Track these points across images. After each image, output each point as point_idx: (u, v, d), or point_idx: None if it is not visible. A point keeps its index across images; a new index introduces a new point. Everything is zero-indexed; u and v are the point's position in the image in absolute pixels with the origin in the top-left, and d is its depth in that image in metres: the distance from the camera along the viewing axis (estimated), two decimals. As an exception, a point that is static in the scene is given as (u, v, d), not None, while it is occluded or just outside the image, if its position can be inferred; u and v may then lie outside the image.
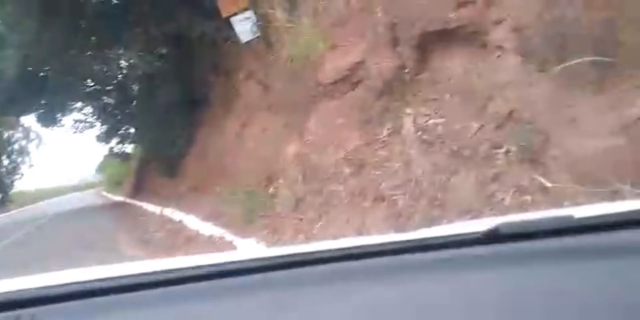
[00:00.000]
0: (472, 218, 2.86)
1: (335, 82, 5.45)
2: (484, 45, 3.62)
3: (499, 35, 3.44)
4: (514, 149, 2.91)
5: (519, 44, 3.21)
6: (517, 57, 3.20)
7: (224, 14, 8.19)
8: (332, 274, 0.91)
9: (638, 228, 0.88)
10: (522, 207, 2.62)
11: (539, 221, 0.94)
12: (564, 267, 0.83)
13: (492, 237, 0.90)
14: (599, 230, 0.89)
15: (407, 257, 0.92)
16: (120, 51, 12.98)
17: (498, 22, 3.48)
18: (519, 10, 3.31)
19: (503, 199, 2.78)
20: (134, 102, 16.62)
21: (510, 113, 3.08)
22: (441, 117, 3.74)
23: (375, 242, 1.00)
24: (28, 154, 40.86)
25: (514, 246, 0.89)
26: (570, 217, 0.91)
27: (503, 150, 2.98)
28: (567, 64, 2.67)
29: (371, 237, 1.06)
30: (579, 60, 2.60)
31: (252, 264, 0.95)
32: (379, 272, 0.89)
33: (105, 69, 15.98)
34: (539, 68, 3.01)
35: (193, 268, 0.96)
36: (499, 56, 3.39)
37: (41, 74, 15.63)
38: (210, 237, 7.24)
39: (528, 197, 2.65)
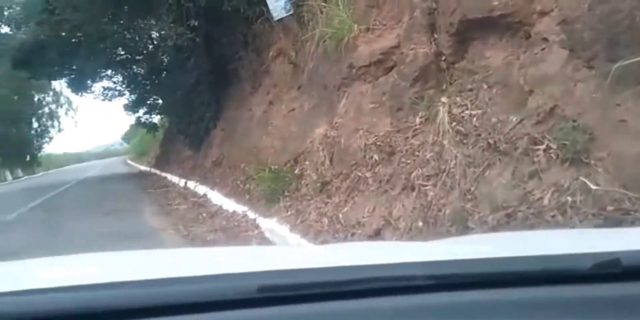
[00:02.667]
0: (507, 215, 2.81)
1: (368, 66, 5.36)
2: (528, 37, 3.51)
3: (544, 27, 3.32)
4: (554, 146, 2.83)
5: (566, 38, 3.10)
6: (564, 51, 3.09)
7: (258, -10, 8.10)
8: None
9: None
10: (561, 208, 2.55)
11: None
12: None
13: (611, 271, 0.70)
14: None
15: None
16: (152, 22, 12.97)
17: (545, 13, 3.36)
18: (568, 2, 3.18)
19: (541, 198, 2.71)
20: (163, 73, 16.65)
21: (553, 109, 2.99)
22: (478, 108, 3.65)
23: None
24: (57, 118, 41.65)
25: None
26: None
27: (543, 146, 2.90)
28: (619, 63, 2.56)
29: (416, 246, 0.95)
30: (634, 59, 2.48)
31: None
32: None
33: (136, 39, 16.01)
34: (586, 64, 2.90)
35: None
36: (543, 49, 3.28)
37: (74, 39, 15.73)
38: (233, 213, 7.29)
39: (568, 198, 2.57)
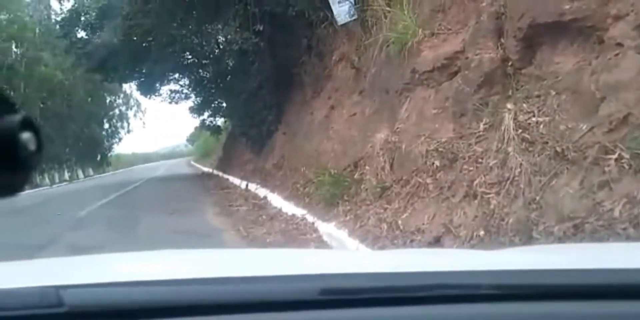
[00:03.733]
0: (574, 226, 2.70)
1: (431, 71, 5.30)
2: (601, 42, 3.38)
3: (619, 31, 3.19)
4: (627, 156, 2.71)
5: (642, 43, 2.97)
6: (639, 56, 2.96)
7: (323, -5, 8.17)
8: None
9: None
10: (634, 221, 2.44)
11: None
12: None
13: None
14: None
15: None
16: (219, 26, 13.31)
17: (619, 18, 3.23)
18: (646, 6, 3.05)
19: (611, 210, 2.60)
20: (228, 77, 17.01)
21: (626, 117, 2.86)
22: (545, 115, 3.54)
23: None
24: (127, 119, 43.27)
25: None
26: None
27: (614, 156, 2.78)
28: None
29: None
30: None
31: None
32: None
33: (203, 43, 16.43)
34: (664, 70, 2.77)
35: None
36: (617, 54, 3.15)
37: (144, 44, 16.30)
38: (293, 216, 7.36)
39: (641, 211, 2.46)
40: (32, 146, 0.66)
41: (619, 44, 3.19)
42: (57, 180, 32.39)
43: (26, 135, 0.66)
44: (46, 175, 31.89)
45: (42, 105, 28.20)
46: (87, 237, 7.32)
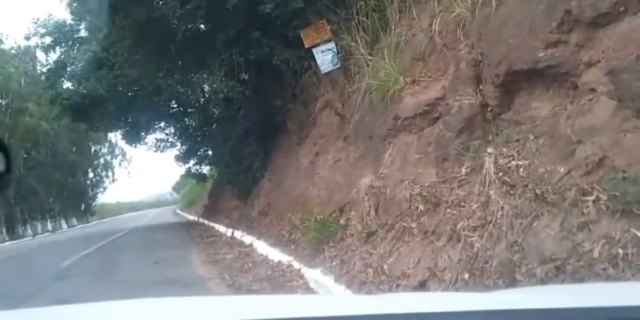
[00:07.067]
0: (556, 268, 2.72)
1: (413, 117, 5.41)
2: (575, 87, 3.49)
3: (592, 77, 3.31)
4: (604, 197, 2.76)
5: (614, 88, 3.07)
6: (612, 101, 3.06)
7: (307, 45, 8.39)
8: None
9: None
10: (613, 261, 2.47)
11: None
12: None
13: None
14: None
15: None
16: (205, 76, 13.53)
17: (591, 64, 3.36)
18: (615, 53, 3.18)
19: (591, 250, 2.63)
20: (214, 125, 17.16)
21: (602, 159, 2.93)
22: (524, 159, 3.62)
23: None
24: (112, 168, 43.11)
25: None
26: None
27: (592, 198, 2.83)
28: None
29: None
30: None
31: None
32: None
33: (189, 92, 16.66)
34: (635, 114, 2.86)
35: None
36: (591, 99, 3.26)
37: (130, 93, 16.48)
38: (279, 262, 7.30)
39: (620, 251, 2.48)
40: (0, 166, 0.65)
41: (592, 90, 3.30)
42: (39, 231, 31.87)
43: None
44: (29, 226, 31.40)
45: (26, 155, 28.09)
46: (69, 288, 7.18)
